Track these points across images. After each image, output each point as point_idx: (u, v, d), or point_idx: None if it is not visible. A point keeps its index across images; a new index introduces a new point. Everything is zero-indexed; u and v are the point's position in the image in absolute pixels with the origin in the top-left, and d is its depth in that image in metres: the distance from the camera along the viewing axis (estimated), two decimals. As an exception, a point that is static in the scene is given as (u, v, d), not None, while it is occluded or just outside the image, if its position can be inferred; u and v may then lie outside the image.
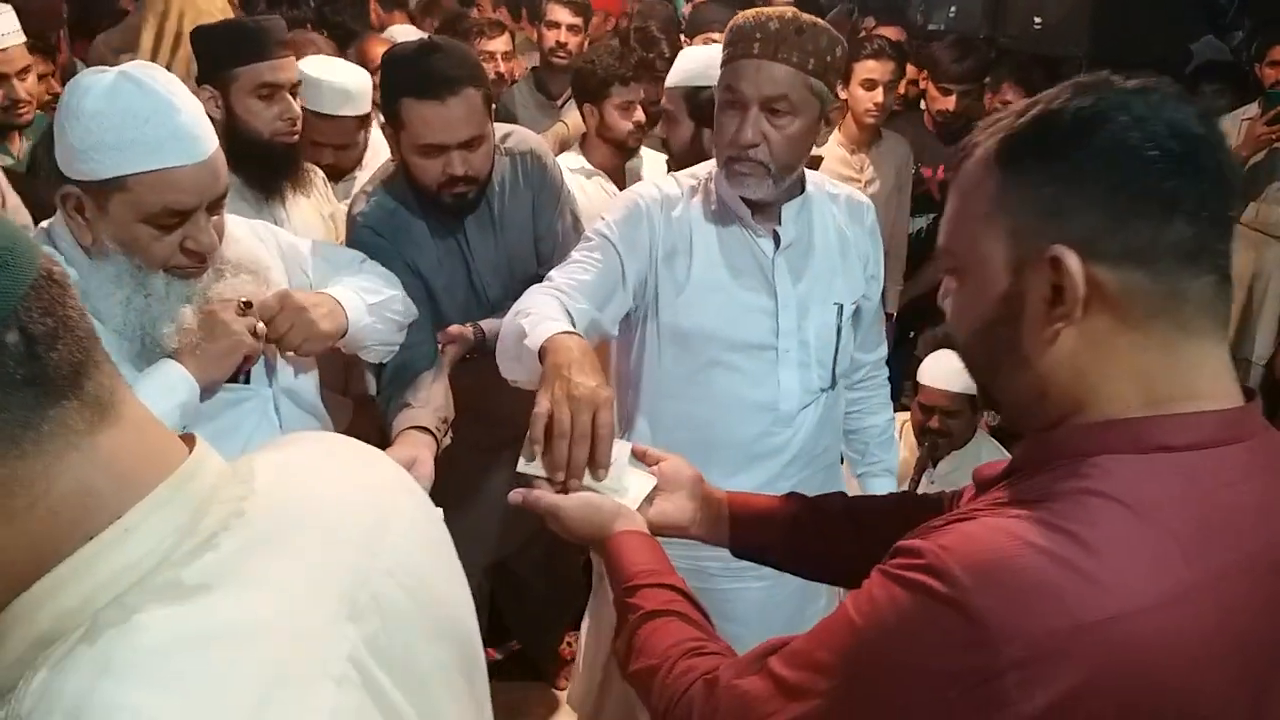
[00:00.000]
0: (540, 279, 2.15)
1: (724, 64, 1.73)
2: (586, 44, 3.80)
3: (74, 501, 0.58)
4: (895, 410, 3.16)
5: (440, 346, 2.06)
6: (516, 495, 1.20)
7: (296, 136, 2.21)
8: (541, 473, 1.21)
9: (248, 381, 1.59)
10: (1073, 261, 0.80)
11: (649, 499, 1.24)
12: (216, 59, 2.11)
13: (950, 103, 3.66)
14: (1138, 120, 0.79)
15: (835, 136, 3.59)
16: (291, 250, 1.74)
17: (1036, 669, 0.71)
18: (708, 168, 1.87)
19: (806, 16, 1.72)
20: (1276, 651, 0.76)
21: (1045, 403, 0.85)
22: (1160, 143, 0.79)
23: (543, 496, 1.19)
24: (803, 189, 1.86)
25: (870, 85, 3.39)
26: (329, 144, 2.54)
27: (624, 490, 1.22)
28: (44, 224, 1.48)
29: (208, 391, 1.47)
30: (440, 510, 0.85)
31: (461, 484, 2.27)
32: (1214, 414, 0.80)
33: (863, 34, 4.09)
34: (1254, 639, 0.75)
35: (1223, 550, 0.75)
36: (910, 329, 3.73)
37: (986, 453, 2.99)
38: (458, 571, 0.83)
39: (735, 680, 0.92)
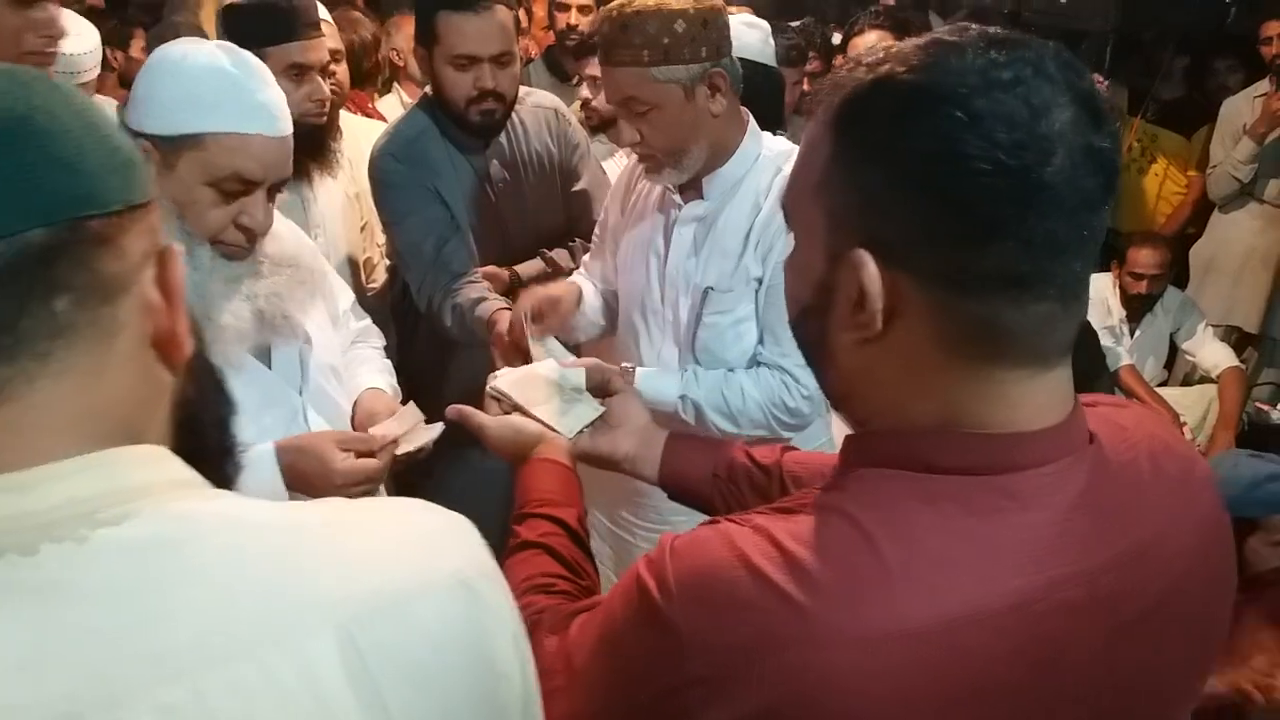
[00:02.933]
0: (571, 236, 2.36)
1: None
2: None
3: None
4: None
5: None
6: (453, 411, 1.27)
7: (325, 118, 2.22)
8: (509, 393, 1.30)
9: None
10: (870, 270, 0.70)
11: (591, 427, 1.28)
12: (246, 38, 2.09)
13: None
14: (976, 117, 0.65)
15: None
16: (323, 278, 1.73)
17: (719, 686, 0.68)
18: None
19: (637, 3, 1.64)
20: (1018, 703, 0.69)
21: (852, 403, 0.79)
22: (995, 154, 0.65)
23: (474, 415, 1.27)
24: (729, 161, 1.78)
25: None
26: None
27: (560, 417, 1.27)
28: None
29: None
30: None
31: (475, 469, 2.29)
32: (997, 437, 0.71)
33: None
34: (993, 689, 0.68)
35: (968, 590, 0.67)
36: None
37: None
38: None
39: (544, 635, 0.88)
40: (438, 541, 0.64)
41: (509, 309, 1.93)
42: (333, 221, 2.42)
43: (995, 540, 0.69)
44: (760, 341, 1.79)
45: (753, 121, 1.82)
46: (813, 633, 0.66)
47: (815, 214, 0.74)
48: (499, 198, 2.26)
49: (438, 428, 1.53)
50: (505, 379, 1.34)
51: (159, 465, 0.59)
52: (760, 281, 1.76)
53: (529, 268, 2.27)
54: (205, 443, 0.68)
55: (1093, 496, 0.72)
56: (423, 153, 2.18)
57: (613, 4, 1.68)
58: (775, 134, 2.47)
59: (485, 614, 0.62)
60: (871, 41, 3.34)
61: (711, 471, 1.23)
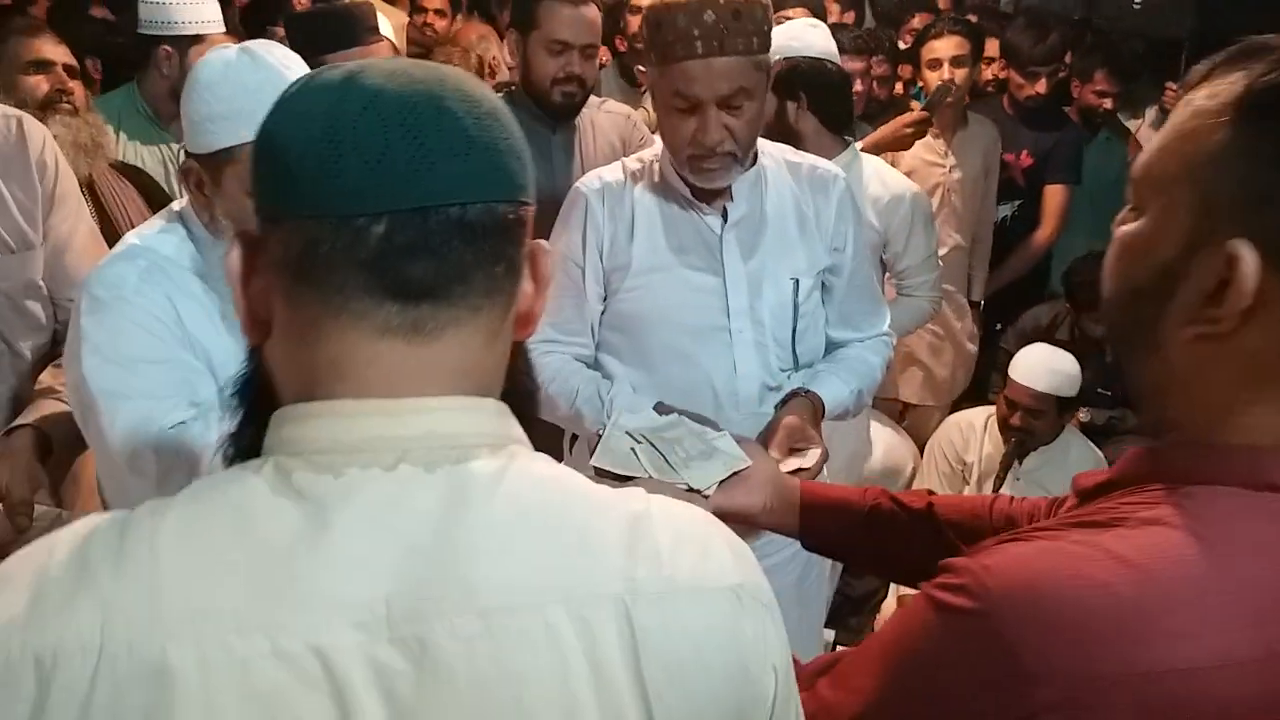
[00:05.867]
0: None
1: (661, 63, 1.61)
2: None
3: (324, 367, 0.65)
4: (982, 405, 3.10)
5: None
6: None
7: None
8: (613, 469, 1.26)
9: None
10: (1249, 265, 0.66)
11: (723, 483, 1.26)
12: (307, 46, 2.13)
13: (1040, 86, 3.55)
14: None
15: (919, 120, 3.51)
16: None
17: (1072, 714, 0.64)
18: (655, 150, 1.80)
19: None
20: None
21: (1165, 399, 0.75)
22: None
23: (603, 479, 1.24)
24: (754, 161, 1.76)
25: (935, 64, 3.32)
26: None
27: (691, 478, 1.25)
28: (174, 205, 1.50)
29: None
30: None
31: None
32: None
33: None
34: None
35: None
36: (997, 320, 3.63)
37: (1076, 450, 2.91)
38: None
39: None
40: (722, 552, 0.68)
41: None
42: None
43: None
44: (831, 327, 1.84)
45: None
46: (1173, 656, 0.63)
47: (1182, 196, 0.70)
48: (555, 177, 2.38)
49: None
50: (628, 419, 1.32)
51: (504, 420, 0.68)
52: (828, 271, 1.81)
53: None
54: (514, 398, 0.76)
55: None
56: None
57: None
58: (845, 136, 2.44)
59: (750, 630, 0.66)
60: (950, 47, 3.30)
61: (859, 519, 1.20)
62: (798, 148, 1.93)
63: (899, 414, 3.34)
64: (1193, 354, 0.71)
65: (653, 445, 1.27)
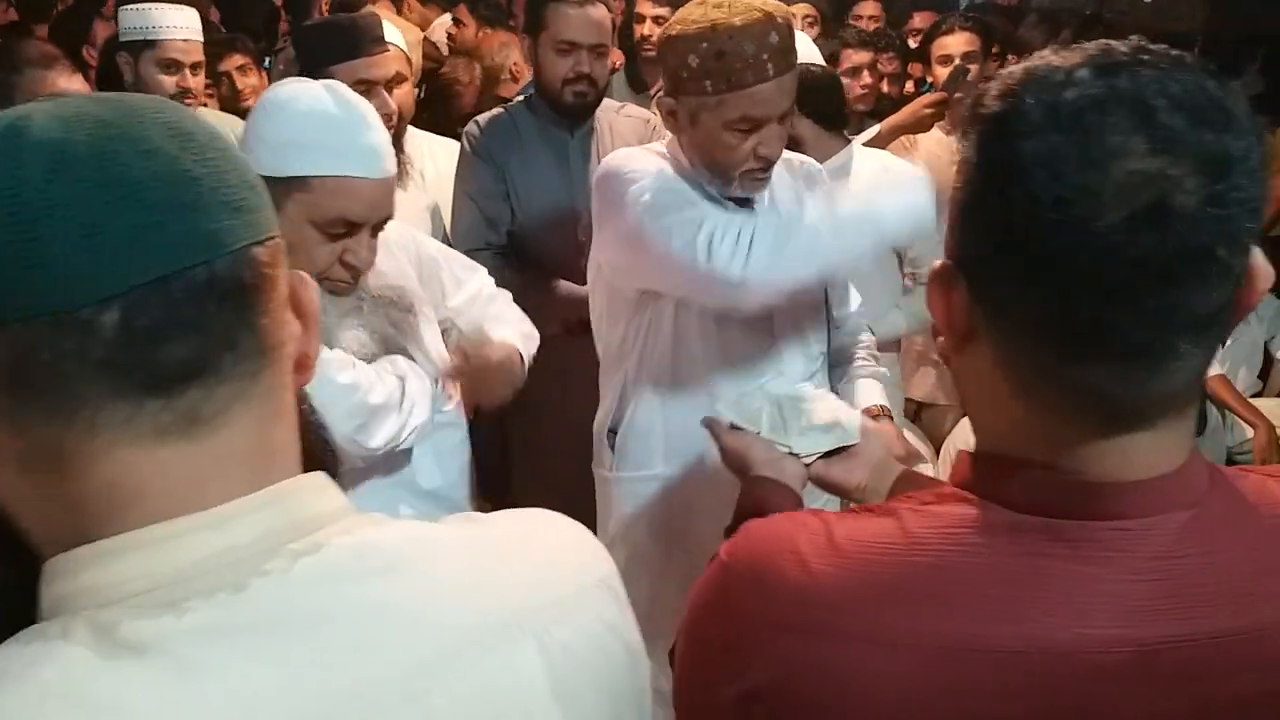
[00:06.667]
0: None
1: (728, 90, 1.57)
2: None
3: (102, 495, 0.52)
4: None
5: None
6: (708, 418, 1.38)
7: (392, 131, 2.26)
8: (735, 419, 1.36)
9: None
10: (947, 286, 0.70)
11: (833, 453, 1.32)
12: (315, 57, 2.17)
13: (1053, 83, 3.53)
14: (1024, 164, 0.62)
15: (932, 116, 3.50)
16: (430, 263, 1.78)
17: (739, 656, 0.72)
18: (662, 148, 1.80)
19: (773, 6, 1.59)
20: None
21: (965, 407, 0.80)
22: (1031, 203, 0.62)
23: (720, 424, 1.36)
24: None
25: (946, 61, 3.31)
26: None
27: (796, 444, 1.32)
28: None
29: None
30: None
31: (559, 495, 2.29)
32: (1066, 481, 0.68)
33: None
34: None
35: (988, 623, 0.66)
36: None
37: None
38: None
39: None
40: (581, 548, 0.67)
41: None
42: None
43: (1032, 582, 0.67)
44: (838, 307, 1.91)
45: None
46: (833, 624, 0.69)
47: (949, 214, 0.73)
48: (575, 181, 2.41)
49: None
50: (776, 385, 1.43)
51: (327, 494, 0.59)
52: None
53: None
54: (312, 449, 0.68)
55: (1180, 564, 0.67)
56: (508, 129, 2.47)
57: (738, 18, 1.55)
58: (844, 134, 2.44)
59: (625, 613, 0.66)
60: (960, 43, 3.29)
61: None
62: (800, 152, 1.95)
63: (913, 414, 3.32)
64: (954, 366, 0.76)
65: (779, 410, 1.34)
